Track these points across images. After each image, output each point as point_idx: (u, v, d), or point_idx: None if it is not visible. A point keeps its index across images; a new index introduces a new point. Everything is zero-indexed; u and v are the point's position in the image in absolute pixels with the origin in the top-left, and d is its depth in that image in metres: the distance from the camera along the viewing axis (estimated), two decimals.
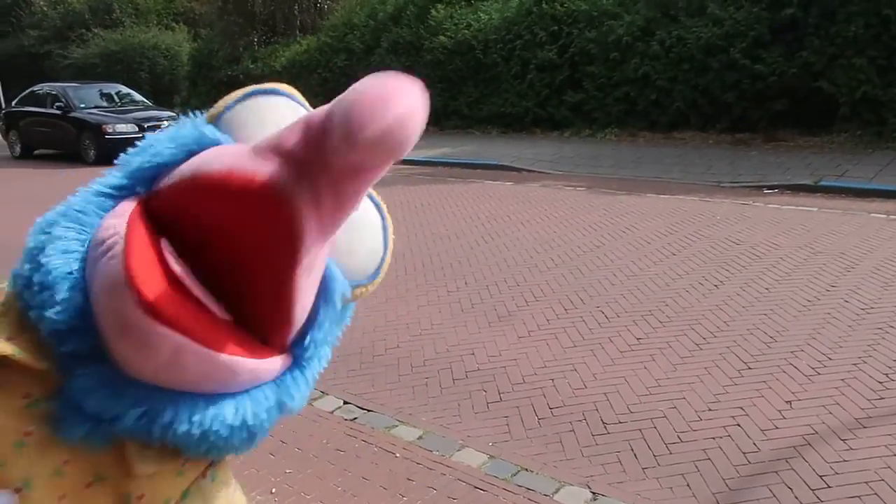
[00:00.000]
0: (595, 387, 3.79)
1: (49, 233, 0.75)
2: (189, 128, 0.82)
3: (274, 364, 0.78)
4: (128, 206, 0.75)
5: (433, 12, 15.36)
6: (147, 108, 15.66)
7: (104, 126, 13.87)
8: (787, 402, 3.51)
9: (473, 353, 4.27)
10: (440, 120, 15.57)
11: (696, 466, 3.04)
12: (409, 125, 0.66)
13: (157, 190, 0.76)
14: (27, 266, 0.74)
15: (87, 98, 15.53)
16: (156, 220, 0.74)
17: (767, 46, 10.82)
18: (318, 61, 17.76)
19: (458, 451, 3.27)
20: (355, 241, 0.85)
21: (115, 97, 16.24)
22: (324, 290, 0.79)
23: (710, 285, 5.16)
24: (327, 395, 3.87)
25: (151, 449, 0.77)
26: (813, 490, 2.84)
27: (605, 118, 13.05)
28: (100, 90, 16.36)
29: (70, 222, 0.76)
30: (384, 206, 0.93)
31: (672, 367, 3.94)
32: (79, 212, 0.77)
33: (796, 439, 3.20)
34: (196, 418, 0.74)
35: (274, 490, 2.99)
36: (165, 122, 14.36)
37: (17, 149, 15.94)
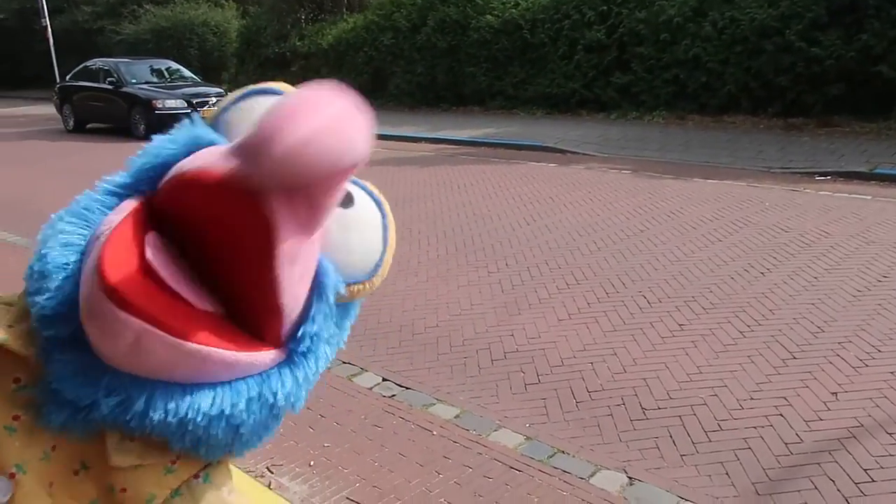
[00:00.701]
0: (635, 372, 3.75)
1: (53, 227, 0.78)
2: (187, 129, 0.84)
3: (264, 357, 0.78)
4: (130, 204, 0.77)
5: None
6: (196, 85, 15.86)
7: (154, 101, 14.10)
8: (832, 393, 3.43)
9: (513, 335, 4.27)
10: (485, 100, 15.49)
11: (736, 455, 3.00)
12: (314, 147, 0.65)
13: (157, 189, 0.78)
14: (33, 257, 0.77)
15: (138, 73, 15.79)
16: (158, 218, 0.76)
17: (825, 29, 10.50)
18: (364, 39, 17.77)
19: (495, 431, 3.27)
20: (352, 239, 0.85)
21: (166, 73, 16.49)
22: (316, 285, 0.79)
23: (756, 272, 5.06)
24: (366, 371, 3.90)
25: (133, 442, 0.78)
26: (856, 483, 2.78)
27: (653, 100, 12.83)
28: (150, 66, 16.63)
29: (74, 217, 0.78)
30: (386, 204, 0.93)
31: (714, 355, 3.88)
32: (84, 209, 0.79)
33: (841, 432, 3.13)
34: (171, 406, 0.74)
35: (312, 463, 3.04)
36: (213, 99, 14.56)
37: (71, 122, 16.30)
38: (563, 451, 3.09)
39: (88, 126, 16.06)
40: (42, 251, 0.76)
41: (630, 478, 2.90)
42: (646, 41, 12.68)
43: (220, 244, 0.73)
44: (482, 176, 9.13)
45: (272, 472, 2.97)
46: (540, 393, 3.60)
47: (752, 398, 3.42)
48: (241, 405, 0.77)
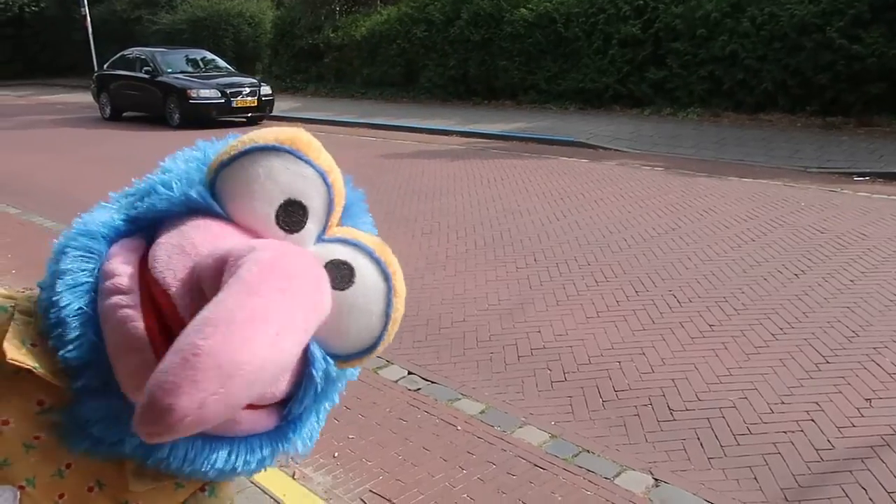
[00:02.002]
0: (663, 372, 3.71)
1: (58, 262, 0.79)
2: (184, 187, 0.82)
3: (263, 418, 0.80)
4: (134, 244, 0.80)
5: None
6: (230, 75, 15.98)
7: (189, 91, 14.23)
8: (866, 399, 3.36)
9: (540, 331, 4.24)
10: (517, 94, 15.42)
11: (765, 460, 2.95)
12: (213, 412, 0.64)
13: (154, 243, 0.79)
14: (45, 294, 0.79)
15: (173, 63, 15.95)
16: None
17: (867, 26, 10.28)
18: (397, 31, 17.77)
19: (520, 427, 3.25)
20: (345, 321, 0.81)
21: (201, 63, 16.63)
22: (305, 373, 0.80)
23: (790, 274, 4.97)
24: (392, 364, 3.90)
25: (150, 469, 0.81)
26: (889, 493, 2.71)
27: (687, 97, 12.67)
28: (186, 56, 16.78)
29: (78, 251, 0.79)
30: (394, 267, 0.85)
31: (745, 357, 3.82)
32: (88, 238, 0.80)
33: (874, 439, 3.06)
34: (190, 456, 0.77)
35: (336, 454, 3.04)
36: (247, 89, 14.65)
37: (108, 110, 16.52)
38: (588, 451, 3.06)
39: (125, 114, 16.27)
40: (53, 298, 0.77)
41: (656, 479, 2.86)
42: (682, 36, 12.51)
43: None
44: (512, 170, 9.09)
45: (296, 463, 2.98)
46: (566, 391, 3.57)
47: (783, 402, 3.36)
48: (253, 463, 0.82)
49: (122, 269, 0.76)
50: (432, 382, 3.70)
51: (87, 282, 0.77)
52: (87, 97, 18.58)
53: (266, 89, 15.13)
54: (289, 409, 0.82)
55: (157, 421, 0.62)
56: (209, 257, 0.75)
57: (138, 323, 0.73)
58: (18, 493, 0.80)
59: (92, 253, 0.79)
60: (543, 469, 2.92)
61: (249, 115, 14.76)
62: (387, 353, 4.00)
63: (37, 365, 0.78)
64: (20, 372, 0.79)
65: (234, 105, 14.29)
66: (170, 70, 15.49)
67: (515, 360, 3.91)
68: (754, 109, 11.80)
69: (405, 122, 13.95)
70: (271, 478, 2.84)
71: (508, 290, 4.91)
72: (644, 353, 3.91)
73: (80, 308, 0.76)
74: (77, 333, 0.76)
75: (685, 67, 12.58)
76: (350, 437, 3.18)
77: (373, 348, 0.84)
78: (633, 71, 13.41)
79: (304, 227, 0.83)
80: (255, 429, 0.80)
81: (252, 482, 2.79)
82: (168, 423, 0.62)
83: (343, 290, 0.80)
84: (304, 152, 0.85)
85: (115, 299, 0.74)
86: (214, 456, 0.78)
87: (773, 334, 4.07)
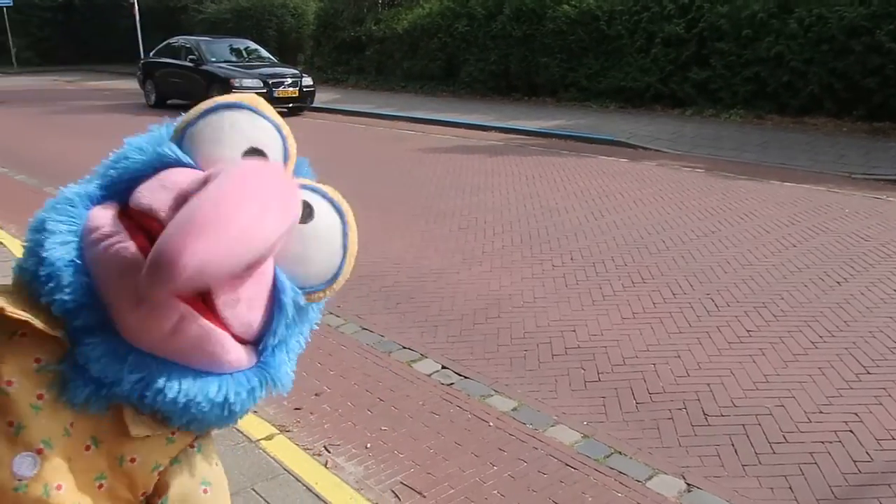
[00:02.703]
0: (699, 376, 3.67)
1: (43, 230, 0.85)
2: (155, 144, 0.91)
3: (245, 355, 0.89)
4: (112, 206, 0.86)
5: None
6: (273, 65, 16.13)
7: (232, 80, 14.40)
8: None
9: (574, 331, 4.22)
10: (558, 91, 15.33)
11: (801, 469, 2.91)
12: (215, 265, 0.75)
13: (129, 202, 0.86)
14: (31, 261, 0.85)
15: (217, 52, 16.14)
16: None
17: None
18: (439, 25, 17.77)
19: (552, 426, 3.25)
20: (309, 251, 0.90)
21: (244, 52, 16.81)
22: (276, 301, 0.88)
23: (831, 281, 4.88)
24: (426, 357, 3.92)
25: (145, 415, 0.89)
26: None
27: (731, 98, 12.49)
28: (230, 45, 16.97)
29: (60, 216, 0.86)
30: (346, 209, 0.95)
31: (783, 364, 3.77)
32: (68, 205, 0.86)
33: None
34: (185, 386, 0.85)
35: (368, 445, 3.07)
36: (289, 80, 14.77)
37: (153, 98, 16.78)
38: (620, 452, 3.05)
39: (169, 102, 16.51)
40: (43, 254, 0.83)
41: (688, 484, 2.84)
42: (727, 37, 12.33)
43: None
44: (551, 168, 9.05)
45: (329, 452, 3.02)
46: (599, 391, 3.56)
47: (821, 412, 3.31)
48: (244, 394, 0.89)
49: (102, 218, 0.84)
50: (465, 377, 3.71)
51: (74, 241, 0.84)
52: (132, 84, 18.89)
53: (307, 80, 15.24)
54: (264, 341, 0.90)
55: (165, 271, 0.72)
56: (193, 181, 0.83)
57: (129, 244, 0.81)
58: (38, 457, 0.84)
59: (73, 217, 0.85)
60: (574, 469, 2.92)
61: (290, 105, 14.88)
62: (421, 347, 4.03)
63: (34, 318, 0.83)
64: (15, 334, 0.85)
65: (275, 95, 14.42)
66: (214, 59, 15.68)
67: (549, 359, 3.90)
68: (799, 112, 11.59)
69: (444, 116, 13.95)
70: (303, 466, 2.88)
71: (544, 287, 4.90)
72: (680, 357, 3.88)
73: (71, 259, 0.83)
74: (71, 279, 0.82)
75: (729, 68, 12.39)
76: (383, 428, 3.21)
77: (333, 279, 0.93)
78: (675, 70, 13.26)
79: None
80: (240, 364, 0.88)
81: (285, 469, 2.83)
82: (175, 272, 0.72)
83: (305, 223, 0.89)
84: (262, 110, 0.96)
85: (104, 240, 0.82)
86: (207, 388, 0.86)
87: (812, 342, 4.00)
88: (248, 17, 23.45)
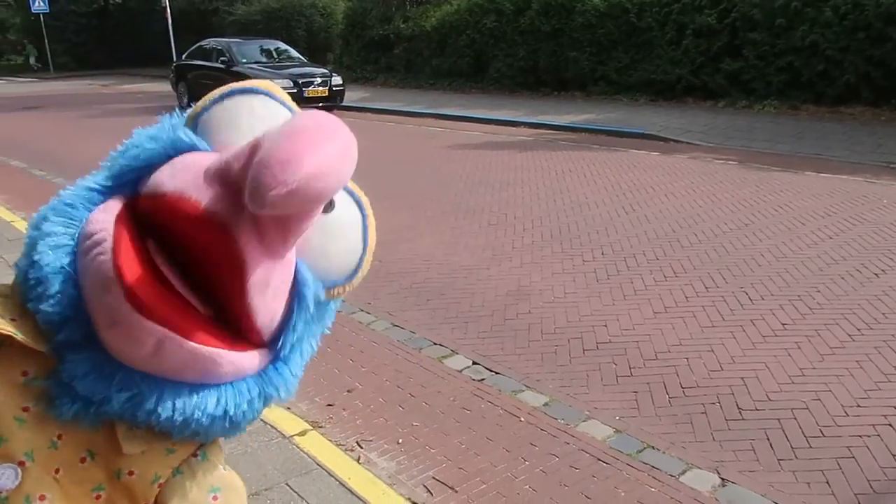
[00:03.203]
0: (732, 370, 3.63)
1: (40, 229, 0.80)
2: (169, 130, 0.85)
3: (254, 359, 0.83)
4: (115, 204, 0.80)
5: None
6: (302, 65, 16.23)
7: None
8: None
9: (606, 325, 4.20)
10: (587, 85, 15.22)
11: (839, 464, 2.86)
12: (316, 184, 0.69)
13: (139, 193, 0.81)
14: (23, 261, 0.80)
15: (248, 53, 16.30)
16: (141, 219, 0.79)
17: None
18: (467, 22, 17.74)
19: (584, 421, 3.24)
20: (330, 243, 0.86)
21: (274, 53, 16.95)
22: (296, 295, 0.83)
23: (869, 273, 4.79)
24: (457, 353, 3.93)
25: (140, 429, 0.83)
26: None
27: (764, 89, 12.29)
28: (260, 46, 17.13)
29: (59, 216, 0.81)
30: (366, 202, 0.91)
31: (819, 357, 3.71)
32: (67, 205, 0.81)
33: None
34: (179, 405, 0.80)
35: (400, 441, 3.09)
36: (318, 79, 14.87)
37: (185, 99, 16.99)
38: (653, 447, 3.03)
39: None
40: (34, 257, 0.79)
41: (722, 479, 2.81)
42: (759, 26, 12.13)
43: (198, 261, 0.77)
44: (581, 162, 9.00)
45: (362, 447, 3.05)
46: (631, 386, 3.54)
47: (858, 405, 3.26)
48: (244, 405, 0.84)
49: (99, 223, 0.77)
50: (496, 373, 3.72)
51: (69, 244, 0.79)
52: (165, 86, 19.15)
53: (337, 79, 15.32)
54: (283, 338, 0.84)
55: (279, 173, 0.67)
56: (227, 155, 0.76)
57: (107, 258, 0.74)
58: (20, 469, 0.81)
59: (73, 219, 0.80)
60: (607, 464, 2.91)
61: (320, 104, 14.96)
62: (452, 343, 4.04)
63: (17, 332, 0.78)
64: (3, 344, 0.80)
65: (305, 95, 14.52)
66: (244, 60, 15.83)
67: (580, 354, 3.89)
68: (835, 102, 11.38)
69: (474, 112, 13.94)
70: (336, 461, 2.91)
71: (575, 282, 4.88)
72: (713, 351, 3.84)
73: (61, 266, 0.78)
74: (57, 289, 0.77)
75: (762, 58, 12.20)
76: (414, 424, 3.22)
77: (353, 275, 0.89)
78: (707, 62, 13.08)
79: None
80: (243, 371, 0.83)
81: (318, 464, 2.86)
82: (290, 173, 0.67)
83: (326, 213, 0.84)
84: (277, 94, 0.92)
85: (93, 249, 0.76)
86: (204, 402, 0.81)
87: (849, 335, 3.94)
88: (278, 18, 23.63)
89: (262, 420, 3.09)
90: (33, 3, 29.25)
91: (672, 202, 6.83)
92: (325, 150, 0.70)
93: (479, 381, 3.64)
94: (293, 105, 0.92)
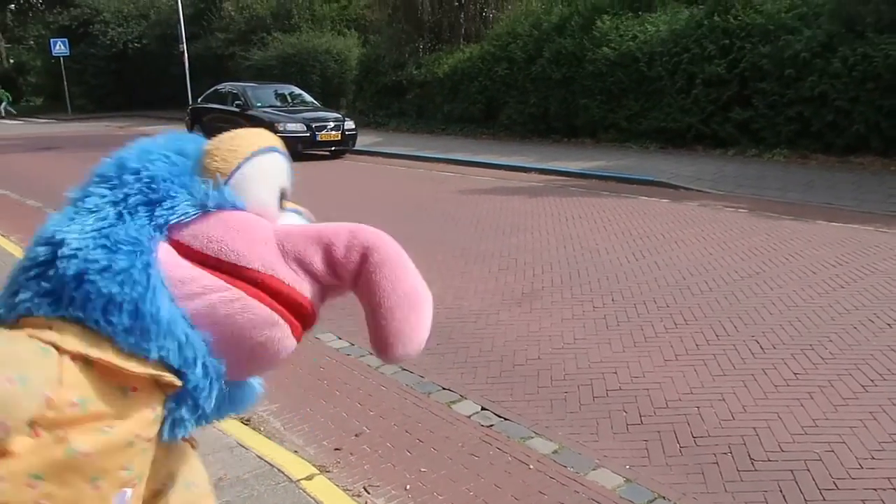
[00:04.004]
0: (744, 420, 3.59)
1: (131, 277, 0.90)
2: (216, 194, 0.99)
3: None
4: (167, 249, 0.96)
5: (598, 23, 15.17)
6: (316, 110, 16.46)
7: (276, 125, 14.71)
8: None
9: (616, 372, 4.17)
10: (597, 132, 15.35)
11: None
12: (425, 339, 1.04)
13: (183, 243, 0.96)
14: (123, 317, 0.89)
15: (262, 97, 16.56)
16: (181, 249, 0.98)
17: None
18: (479, 69, 18.01)
19: (594, 470, 3.20)
20: None
21: (288, 97, 17.21)
22: None
23: (882, 323, 4.76)
24: (465, 399, 3.90)
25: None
26: None
27: (774, 138, 12.36)
28: (275, 90, 17.41)
29: (149, 267, 0.91)
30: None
31: (832, 408, 3.67)
32: (144, 250, 0.92)
33: None
34: (245, 397, 1.12)
35: (408, 487, 3.06)
36: (331, 123, 15.06)
37: None
38: (663, 497, 2.98)
39: None
40: (148, 309, 0.90)
41: None
42: (769, 76, 12.25)
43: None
44: (591, 209, 9.03)
45: (369, 493, 3.01)
46: (642, 434, 3.50)
47: (873, 457, 3.21)
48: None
49: (186, 269, 0.94)
50: (505, 419, 3.68)
51: (166, 291, 0.91)
52: (181, 129, 19.43)
53: (350, 124, 15.52)
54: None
55: (401, 354, 1.01)
56: (299, 242, 1.00)
57: (254, 304, 0.96)
58: (131, 490, 0.95)
59: (149, 265, 0.91)
60: None
61: (333, 148, 15.15)
62: (461, 388, 4.01)
63: (162, 373, 0.92)
64: (127, 389, 0.91)
65: (318, 139, 14.70)
66: (259, 104, 16.08)
67: (590, 401, 3.86)
68: (845, 152, 11.42)
69: (484, 158, 14.06)
70: None
71: (585, 329, 4.86)
72: (724, 400, 3.80)
73: (181, 316, 0.92)
74: (189, 333, 0.93)
75: (772, 108, 12.29)
76: (422, 470, 3.19)
77: None
78: (717, 111, 13.19)
79: (286, 206, 1.10)
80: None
81: None
82: (410, 354, 1.01)
83: None
84: (284, 151, 1.13)
85: (210, 295, 0.94)
86: (252, 398, 1.14)
87: (863, 386, 3.89)
88: (293, 64, 24.04)
89: (268, 463, 3.07)
90: (54, 46, 29.91)
91: (682, 249, 6.83)
92: (427, 325, 1.00)
93: (487, 426, 3.61)
94: (289, 158, 1.15)
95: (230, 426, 3.37)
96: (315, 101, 17.68)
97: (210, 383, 0.96)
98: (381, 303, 0.95)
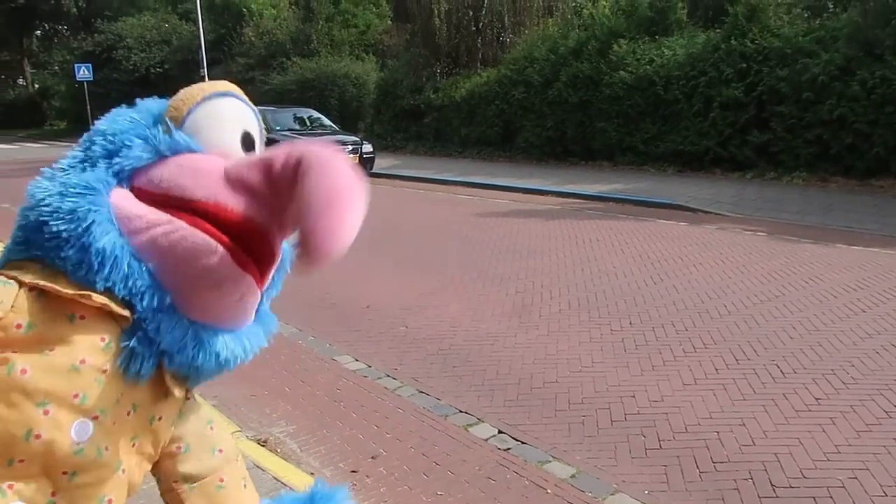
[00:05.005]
0: (765, 445, 3.54)
1: (76, 219, 0.97)
2: (166, 139, 1.05)
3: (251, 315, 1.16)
4: (125, 192, 1.02)
5: (615, 47, 15.22)
6: (334, 133, 16.61)
7: None
8: None
9: (634, 396, 4.14)
10: (614, 155, 15.35)
11: None
12: (346, 247, 0.96)
13: (142, 187, 1.02)
14: (72, 251, 0.97)
15: (282, 121, 16.74)
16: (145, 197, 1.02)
17: None
18: (496, 93, 18.11)
19: (612, 494, 3.17)
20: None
21: (307, 121, 17.40)
22: (281, 262, 1.11)
23: None
24: (483, 422, 3.89)
25: (178, 378, 1.08)
26: None
27: (792, 161, 12.30)
28: (294, 114, 17.61)
29: (94, 205, 0.97)
30: None
31: (855, 434, 3.61)
32: (91, 193, 0.98)
33: None
34: (230, 347, 1.08)
35: None
36: (349, 147, 15.18)
37: None
38: None
39: None
40: (91, 243, 0.95)
41: None
42: (787, 100, 12.23)
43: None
44: (608, 232, 9.01)
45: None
46: (661, 459, 3.46)
47: None
48: (257, 350, 1.15)
49: (136, 207, 0.99)
50: (522, 443, 3.66)
51: (114, 229, 0.97)
52: None
53: (367, 147, 15.64)
54: (267, 294, 1.15)
55: (326, 253, 0.92)
56: (242, 167, 1.00)
57: (194, 231, 0.96)
58: (93, 423, 0.99)
59: (101, 206, 0.98)
60: None
61: None
62: (478, 411, 4.00)
63: (109, 301, 0.97)
64: (74, 317, 0.98)
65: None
66: (278, 127, 16.24)
67: (608, 425, 3.83)
68: (864, 175, 11.34)
69: (502, 181, 14.09)
70: None
71: (602, 352, 4.84)
72: (745, 425, 3.76)
73: (122, 246, 0.97)
74: (134, 265, 0.97)
75: (790, 131, 12.25)
76: (439, 493, 3.17)
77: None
78: (734, 134, 13.16)
79: (255, 152, 1.12)
80: (246, 322, 1.12)
81: None
82: (335, 253, 0.93)
83: None
84: (245, 97, 1.14)
85: (156, 228, 0.97)
86: (238, 345, 1.10)
87: (886, 411, 3.84)
88: (312, 88, 24.29)
89: (285, 485, 3.07)
90: (78, 70, 30.39)
91: (701, 273, 6.79)
92: (355, 216, 0.94)
93: (504, 450, 3.59)
94: (254, 106, 1.17)
95: (247, 448, 3.38)
96: (333, 125, 17.86)
97: (156, 314, 0.99)
98: (303, 204, 0.94)
